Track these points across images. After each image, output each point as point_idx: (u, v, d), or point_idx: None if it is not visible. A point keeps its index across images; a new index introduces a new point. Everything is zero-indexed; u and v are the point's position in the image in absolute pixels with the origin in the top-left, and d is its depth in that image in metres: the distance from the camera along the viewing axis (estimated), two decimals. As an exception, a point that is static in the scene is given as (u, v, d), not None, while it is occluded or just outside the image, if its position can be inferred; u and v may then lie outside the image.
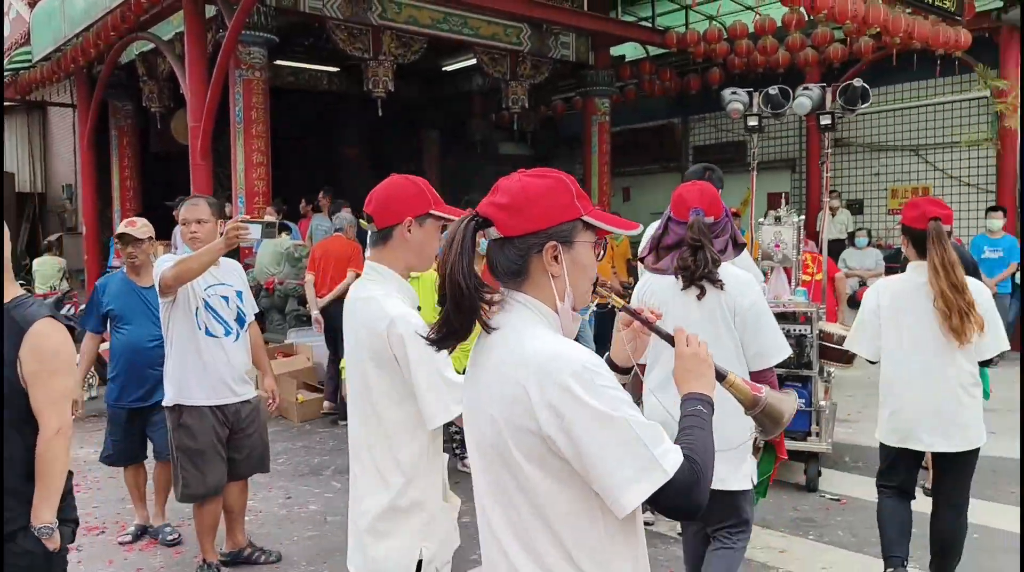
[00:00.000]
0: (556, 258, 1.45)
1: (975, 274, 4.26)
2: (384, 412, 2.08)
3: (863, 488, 4.83)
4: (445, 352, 1.55)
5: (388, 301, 2.07)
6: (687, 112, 14.49)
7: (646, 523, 4.38)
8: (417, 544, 2.10)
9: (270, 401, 4.17)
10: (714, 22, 11.19)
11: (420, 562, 2.11)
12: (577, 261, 1.48)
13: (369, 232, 2.22)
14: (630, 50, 13.08)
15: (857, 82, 6.44)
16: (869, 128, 12.05)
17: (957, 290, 3.27)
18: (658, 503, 1.35)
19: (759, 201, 13.49)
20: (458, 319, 1.44)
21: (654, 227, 3.30)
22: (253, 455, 4.06)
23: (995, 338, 3.40)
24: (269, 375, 4.25)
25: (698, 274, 2.86)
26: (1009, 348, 3.51)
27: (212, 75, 8.09)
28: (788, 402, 1.69)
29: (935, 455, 3.52)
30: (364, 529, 2.12)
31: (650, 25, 11.66)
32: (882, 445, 3.60)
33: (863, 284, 10.12)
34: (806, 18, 9.78)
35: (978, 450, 3.46)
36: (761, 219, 6.39)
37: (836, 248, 11.02)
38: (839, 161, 12.37)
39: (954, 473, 3.49)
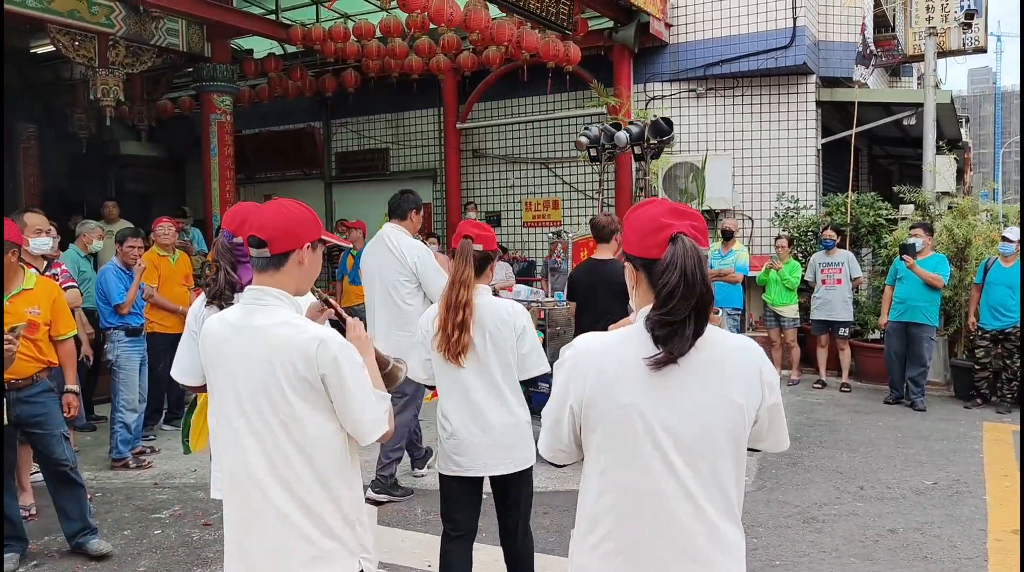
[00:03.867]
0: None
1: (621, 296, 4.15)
2: (305, 433, 2.07)
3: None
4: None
5: (307, 322, 2.13)
6: (329, 116, 13.63)
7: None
8: (356, 559, 2.15)
9: None
10: (340, 20, 10.41)
11: None
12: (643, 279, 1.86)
13: (256, 256, 2.16)
14: (262, 44, 11.91)
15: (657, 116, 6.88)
16: (504, 140, 12.05)
17: (452, 307, 3.19)
18: None
19: (403, 211, 13.11)
20: (699, 323, 1.74)
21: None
22: None
23: (534, 362, 3.31)
24: None
25: (212, 293, 2.81)
26: (548, 370, 3.26)
27: None
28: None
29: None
30: (299, 560, 2.08)
31: (274, 18, 10.58)
32: None
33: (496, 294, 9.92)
34: (429, 21, 9.37)
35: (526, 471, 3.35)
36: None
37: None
38: (477, 173, 12.25)
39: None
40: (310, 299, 2.33)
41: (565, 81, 10.04)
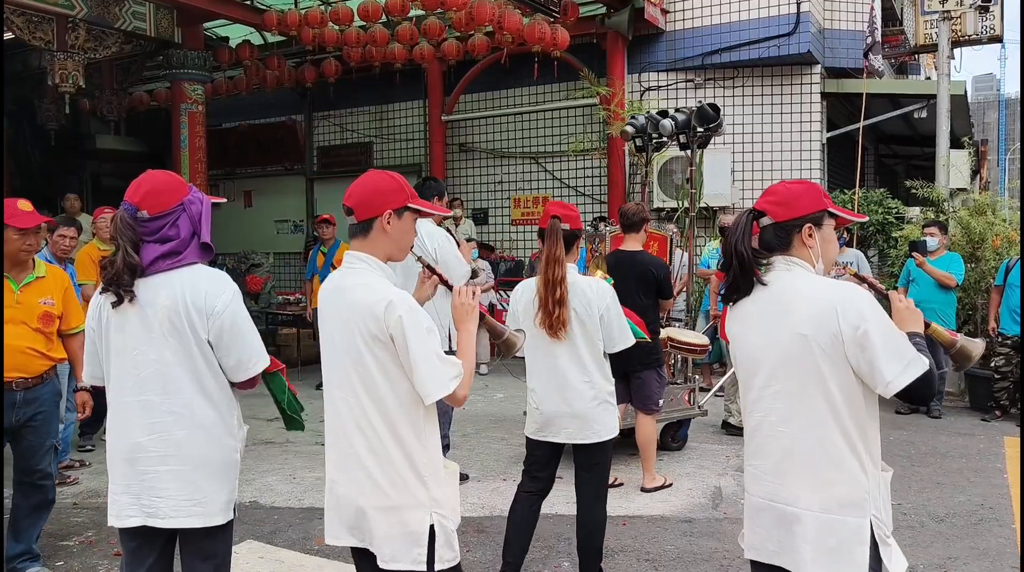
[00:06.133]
0: (811, 234, 2.16)
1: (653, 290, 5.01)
2: (379, 390, 2.18)
3: None
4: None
5: (382, 284, 2.21)
6: (311, 109, 13.06)
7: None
8: (428, 514, 2.21)
9: None
10: (318, 6, 9.83)
11: (432, 531, 2.21)
12: (826, 237, 2.19)
13: (349, 224, 2.29)
14: (238, 32, 11.32)
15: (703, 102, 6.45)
16: (491, 134, 11.47)
17: (548, 285, 3.38)
18: None
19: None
20: (742, 278, 2.19)
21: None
22: None
23: (621, 335, 3.57)
24: None
25: (107, 279, 2.33)
26: (633, 342, 3.64)
27: None
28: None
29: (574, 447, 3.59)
30: (372, 506, 2.20)
31: (249, 3, 10.00)
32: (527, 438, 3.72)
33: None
34: (409, 4, 8.80)
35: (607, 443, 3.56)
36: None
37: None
38: (463, 167, 11.67)
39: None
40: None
41: (554, 70, 9.47)
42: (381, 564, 2.21)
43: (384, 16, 9.25)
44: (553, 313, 3.39)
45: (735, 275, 2.20)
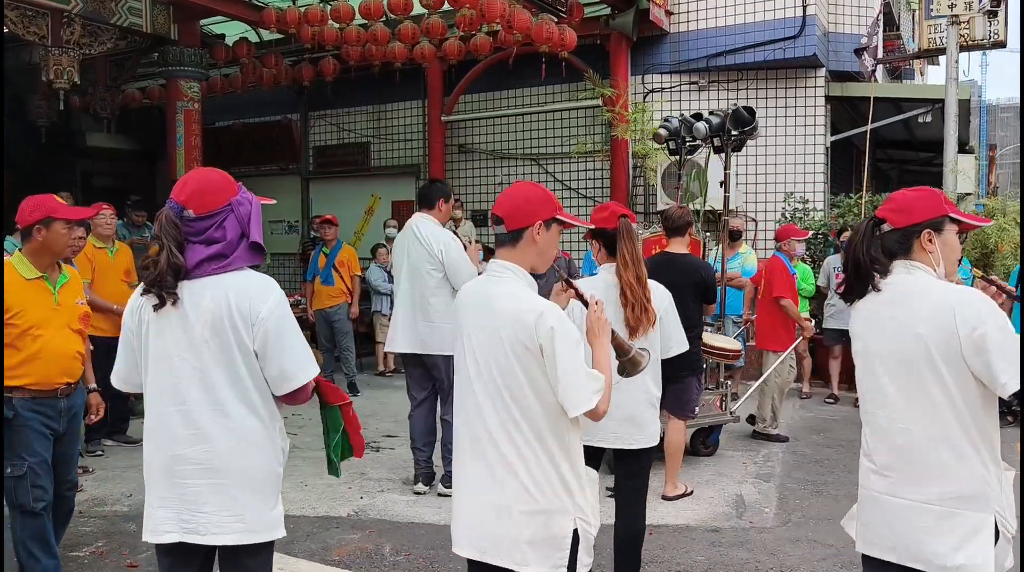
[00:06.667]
0: (931, 240, 2.22)
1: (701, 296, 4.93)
2: (527, 399, 2.20)
3: None
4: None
5: (530, 294, 2.26)
6: (307, 108, 12.88)
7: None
8: (572, 519, 2.23)
9: None
10: (317, 3, 9.68)
11: (576, 536, 2.23)
12: (947, 242, 2.25)
13: (496, 233, 2.33)
14: (235, 29, 11.13)
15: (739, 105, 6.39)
16: (491, 135, 11.34)
17: (640, 283, 3.36)
18: None
19: (384, 208, 12.38)
20: (857, 282, 2.28)
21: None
22: None
23: (677, 340, 3.58)
24: None
25: (150, 280, 2.21)
26: (688, 348, 3.66)
27: None
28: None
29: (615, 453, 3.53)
30: (518, 510, 2.21)
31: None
32: None
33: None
34: (413, 2, 8.68)
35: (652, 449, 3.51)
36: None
37: (459, 262, 10.09)
38: (463, 169, 11.53)
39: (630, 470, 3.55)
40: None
41: (559, 71, 9.35)
42: (516, 568, 2.23)
43: (386, 14, 9.16)
44: (643, 311, 3.35)
45: (851, 278, 2.30)
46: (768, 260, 7.12)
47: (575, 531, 2.24)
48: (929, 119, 9.73)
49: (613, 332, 2.44)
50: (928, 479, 2.14)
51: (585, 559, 2.28)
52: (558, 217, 2.33)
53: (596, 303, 2.40)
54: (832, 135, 10.16)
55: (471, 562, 2.34)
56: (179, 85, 9.87)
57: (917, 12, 13.10)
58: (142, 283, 2.27)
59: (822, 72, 9.76)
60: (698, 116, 6.57)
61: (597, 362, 2.30)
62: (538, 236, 2.29)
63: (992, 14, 9.24)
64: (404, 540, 4.35)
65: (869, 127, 8.88)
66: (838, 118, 10.73)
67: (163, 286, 2.18)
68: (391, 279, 9.60)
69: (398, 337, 5.13)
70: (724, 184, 6.61)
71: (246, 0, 9.75)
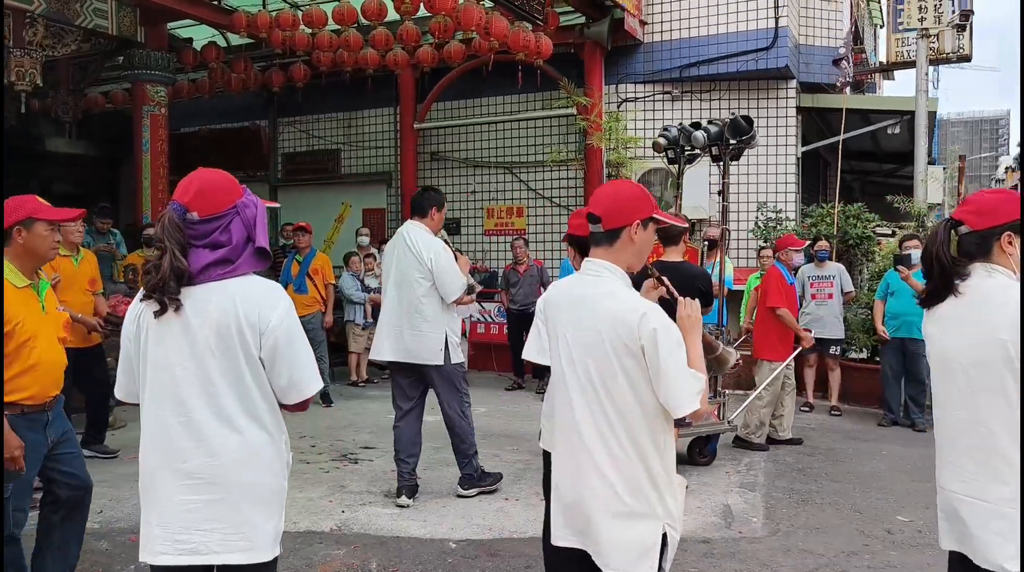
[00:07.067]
0: (1011, 242, 2.21)
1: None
2: (624, 398, 2.19)
3: None
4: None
5: (630, 294, 2.24)
6: (276, 114, 12.70)
7: None
8: (661, 525, 2.20)
9: None
10: (289, 8, 9.55)
11: (664, 541, 2.20)
12: None
13: (592, 231, 2.31)
14: (203, 33, 10.93)
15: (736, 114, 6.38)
16: (464, 142, 11.27)
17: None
18: None
19: (355, 216, 12.23)
20: (942, 285, 2.25)
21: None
22: None
23: None
24: None
25: (151, 285, 2.10)
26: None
27: None
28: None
29: None
30: (607, 512, 2.20)
31: (216, 3, 9.64)
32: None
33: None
34: (387, 8, 8.59)
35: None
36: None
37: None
38: (435, 177, 11.43)
39: None
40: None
41: (534, 79, 9.36)
42: (604, 569, 2.21)
43: (359, 20, 9.06)
44: None
45: (935, 282, 2.28)
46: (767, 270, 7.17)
47: (664, 536, 2.20)
48: (898, 130, 9.88)
49: (702, 332, 2.43)
50: (1006, 481, 2.14)
51: (667, 564, 2.25)
52: (655, 216, 2.30)
53: (686, 301, 2.36)
54: (802, 146, 10.27)
55: (559, 552, 2.34)
56: (145, 89, 9.66)
57: (879, 27, 13.36)
58: (142, 289, 2.16)
59: (793, 83, 9.88)
60: (696, 125, 6.58)
61: (691, 360, 2.23)
62: (635, 235, 2.27)
63: (961, 28, 9.43)
64: (390, 555, 4.24)
65: (841, 138, 8.99)
66: (807, 129, 10.86)
67: (166, 291, 2.07)
68: (364, 288, 9.48)
69: (384, 345, 5.05)
70: (723, 194, 6.62)
71: (215, 4, 9.60)
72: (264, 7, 9.77)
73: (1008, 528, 2.13)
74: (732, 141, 6.32)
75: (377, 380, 9.73)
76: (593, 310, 2.23)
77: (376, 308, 9.60)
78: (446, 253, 4.99)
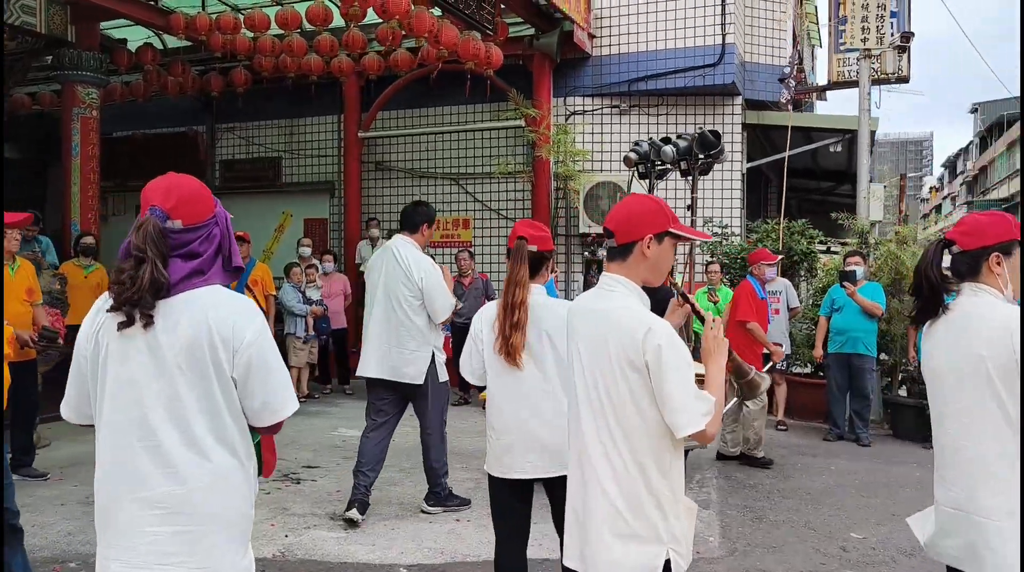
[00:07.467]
0: (999, 262, 2.28)
1: None
2: (628, 416, 2.16)
3: None
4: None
5: (642, 309, 2.20)
6: (214, 120, 12.31)
7: None
8: (664, 549, 2.14)
9: None
10: (229, 11, 9.25)
11: (668, 564, 2.14)
12: (1013, 265, 2.30)
13: (607, 246, 2.31)
14: (139, 34, 10.51)
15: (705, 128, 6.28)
16: (410, 153, 11.09)
17: (509, 308, 3.16)
18: None
19: (296, 226, 11.92)
20: (932, 302, 2.34)
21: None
22: None
23: None
24: None
25: (124, 297, 1.89)
26: None
27: None
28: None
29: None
30: (611, 532, 2.17)
31: (153, 3, 9.29)
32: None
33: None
34: (333, 13, 8.40)
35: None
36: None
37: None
38: (380, 187, 11.23)
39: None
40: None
41: (482, 90, 9.22)
42: None
43: (303, 25, 8.83)
44: (509, 338, 3.16)
45: (925, 300, 2.35)
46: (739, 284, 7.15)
47: (667, 562, 2.13)
48: (840, 148, 10.06)
49: (732, 354, 2.37)
50: (993, 494, 2.20)
51: None
52: (671, 230, 2.24)
53: (713, 321, 2.32)
54: (747, 162, 10.38)
55: None
56: (75, 90, 9.24)
57: (818, 47, 13.68)
58: (97, 303, 1.99)
59: (739, 100, 9.98)
60: (666, 140, 6.58)
61: (709, 382, 2.20)
62: (648, 250, 2.22)
63: (902, 49, 9.68)
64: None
65: (787, 154, 9.12)
66: (750, 146, 11.00)
67: (142, 305, 1.89)
68: (305, 300, 9.21)
69: (371, 363, 4.94)
70: (691, 208, 6.59)
71: (152, 4, 9.25)
72: (204, 9, 9.44)
73: (1001, 542, 2.17)
74: (700, 156, 6.32)
75: (318, 395, 9.45)
76: (603, 323, 2.21)
77: (317, 321, 9.37)
78: (436, 271, 4.91)
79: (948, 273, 2.38)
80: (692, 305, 2.42)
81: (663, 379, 2.08)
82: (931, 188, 71.48)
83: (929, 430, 7.18)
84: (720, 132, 6.47)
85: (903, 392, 8.31)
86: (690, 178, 6.53)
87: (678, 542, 2.17)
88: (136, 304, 1.88)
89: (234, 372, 1.96)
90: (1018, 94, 34.23)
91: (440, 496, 5.10)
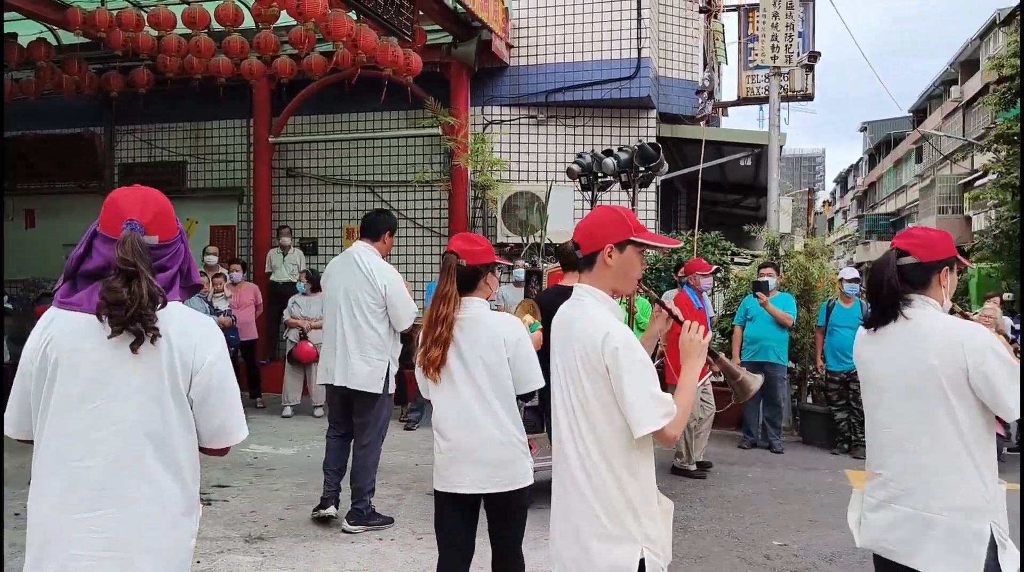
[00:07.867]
0: (947, 276, 2.46)
1: None
2: (596, 420, 2.22)
3: None
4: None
5: (605, 316, 2.26)
6: (114, 121, 11.71)
7: None
8: (639, 547, 2.18)
9: None
10: (135, 8, 8.81)
11: (643, 564, 2.18)
12: (952, 280, 2.49)
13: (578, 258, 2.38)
14: (31, 28, 9.89)
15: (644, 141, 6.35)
16: (323, 159, 10.82)
17: (432, 322, 3.14)
18: None
19: (202, 234, 11.45)
20: (889, 308, 2.43)
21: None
22: None
23: (529, 377, 3.22)
24: None
25: (130, 314, 1.82)
26: (543, 385, 3.16)
27: None
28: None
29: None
30: (590, 535, 2.21)
31: (49, -4, 8.76)
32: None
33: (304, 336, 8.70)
34: (243, 14, 8.11)
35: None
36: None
37: (289, 291, 9.48)
38: (291, 194, 10.91)
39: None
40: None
41: (399, 97, 9.07)
42: None
43: (211, 25, 8.49)
44: (427, 352, 3.13)
45: (882, 306, 2.45)
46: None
47: (642, 561, 2.16)
48: (750, 162, 10.35)
49: (720, 356, 2.45)
50: (934, 493, 2.33)
51: None
52: (633, 238, 2.29)
53: (691, 324, 2.37)
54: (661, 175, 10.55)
55: None
56: (-40, 87, 8.62)
57: (723, 64, 14.10)
58: (58, 318, 1.91)
59: (653, 113, 10.14)
60: (608, 152, 6.61)
61: (681, 384, 2.27)
62: (609, 259, 2.28)
63: (809, 68, 10.05)
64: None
65: (701, 167, 9.30)
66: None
67: (146, 320, 1.84)
68: (213, 310, 8.81)
69: (336, 371, 4.86)
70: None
71: (48, -3, 8.72)
72: (103, 4, 8.97)
73: (938, 535, 2.31)
74: (641, 168, 6.37)
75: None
76: (572, 331, 2.29)
77: (226, 331, 8.98)
78: (398, 279, 4.90)
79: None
80: (669, 311, 2.47)
81: (621, 380, 2.14)
82: (824, 202, 74.91)
83: (835, 437, 7.44)
84: (658, 145, 6.54)
85: (810, 400, 8.58)
86: (630, 190, 6.56)
87: (652, 542, 2.21)
88: (143, 319, 1.83)
89: (191, 392, 1.91)
90: (907, 112, 36.22)
91: (363, 515, 4.95)
